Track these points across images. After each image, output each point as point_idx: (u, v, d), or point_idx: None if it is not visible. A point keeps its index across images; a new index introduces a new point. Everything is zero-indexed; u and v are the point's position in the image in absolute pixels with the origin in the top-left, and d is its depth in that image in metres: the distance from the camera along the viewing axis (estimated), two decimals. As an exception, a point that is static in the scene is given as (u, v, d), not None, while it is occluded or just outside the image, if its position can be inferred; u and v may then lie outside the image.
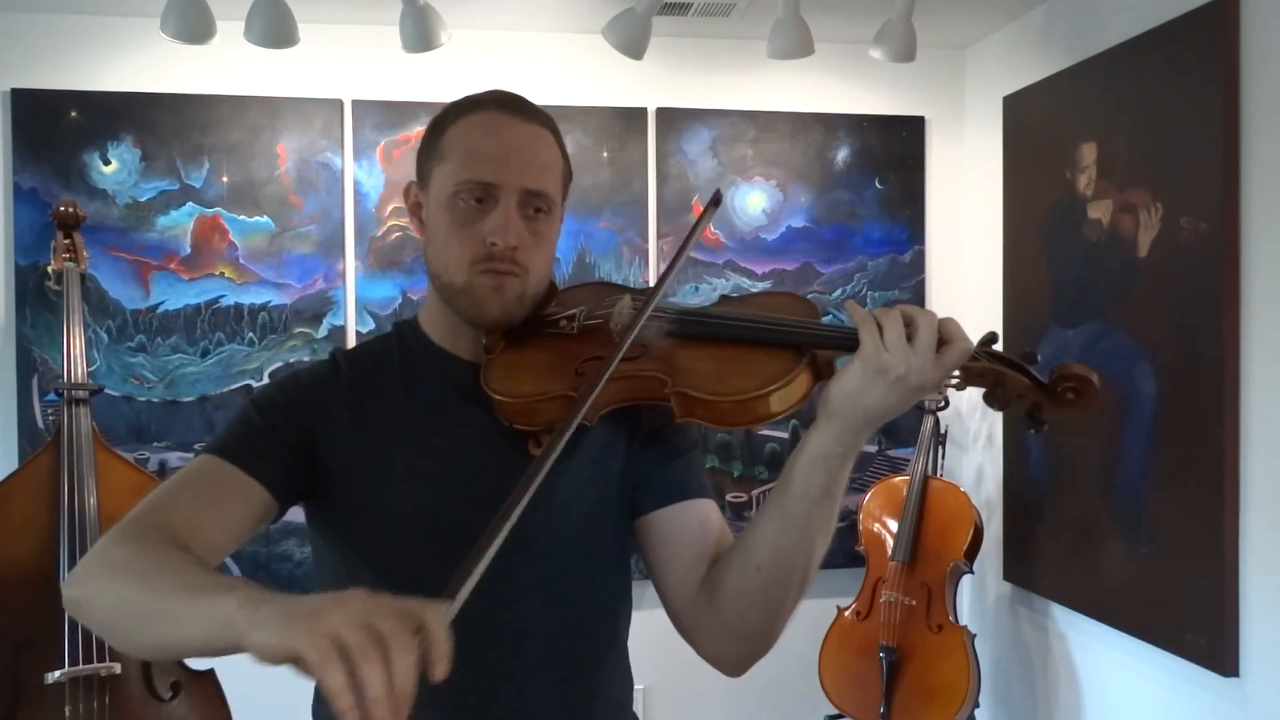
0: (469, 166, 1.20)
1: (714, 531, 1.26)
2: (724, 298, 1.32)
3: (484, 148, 1.21)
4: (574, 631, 1.23)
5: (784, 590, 1.16)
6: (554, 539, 1.18)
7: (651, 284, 3.28)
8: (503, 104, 1.25)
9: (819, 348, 1.15)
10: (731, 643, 1.23)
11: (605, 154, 3.25)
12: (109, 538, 1.07)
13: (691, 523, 1.25)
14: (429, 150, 1.26)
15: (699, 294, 3.29)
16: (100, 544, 1.07)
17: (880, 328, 1.08)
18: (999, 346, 1.19)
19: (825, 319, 1.21)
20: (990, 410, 1.23)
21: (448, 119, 1.25)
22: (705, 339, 1.19)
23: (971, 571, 3.12)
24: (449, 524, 1.18)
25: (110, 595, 1.01)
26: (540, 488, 1.21)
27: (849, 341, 1.12)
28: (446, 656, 0.81)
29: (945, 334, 1.08)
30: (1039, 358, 1.17)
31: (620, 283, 3.18)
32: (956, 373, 1.14)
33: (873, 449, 3.36)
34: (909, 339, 1.07)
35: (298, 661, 0.79)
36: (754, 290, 3.32)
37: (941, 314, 1.12)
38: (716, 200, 1.28)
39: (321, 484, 1.21)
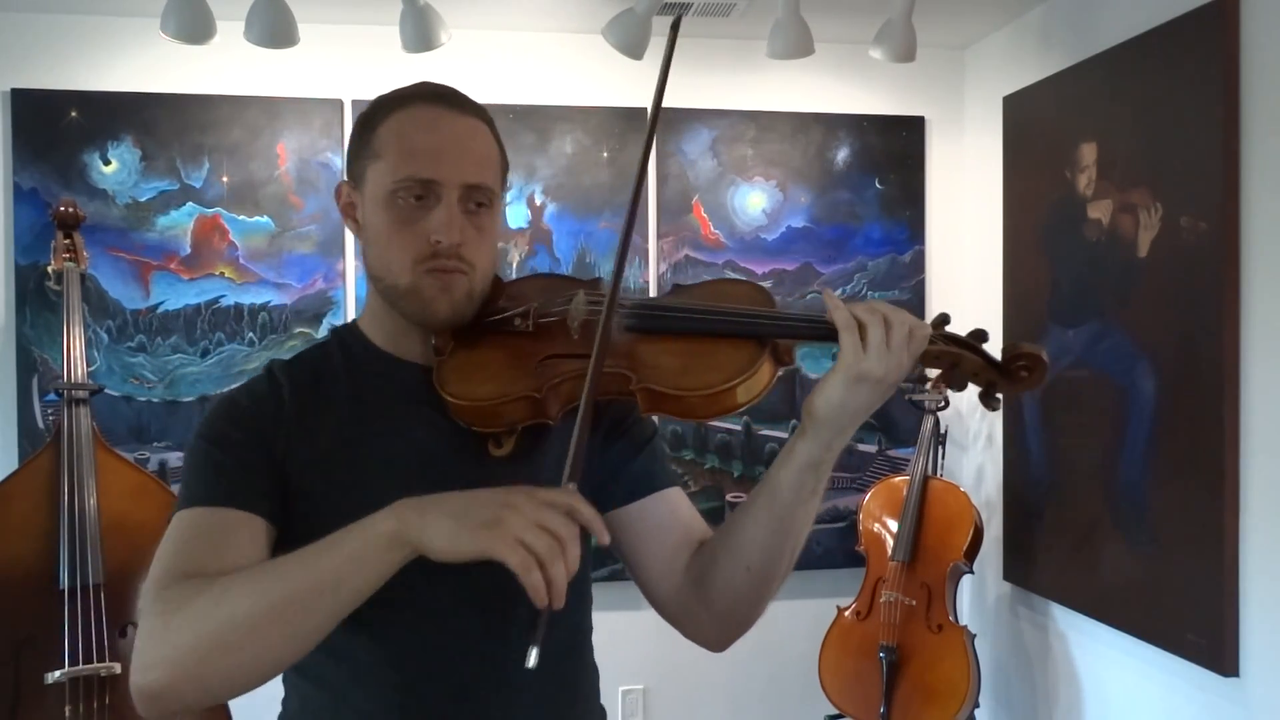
0: (406, 163, 1.16)
1: (686, 519, 1.27)
2: (677, 286, 1.29)
3: (420, 143, 1.17)
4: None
5: (772, 581, 1.19)
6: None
7: (649, 282, 3.28)
8: (436, 97, 1.21)
9: (780, 337, 1.15)
10: (720, 629, 1.25)
11: (605, 154, 3.25)
12: (162, 610, 1.01)
13: (664, 514, 1.26)
14: (360, 148, 1.21)
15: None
16: (155, 620, 1.01)
17: (862, 332, 1.08)
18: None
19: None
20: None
21: (378, 114, 1.21)
22: (667, 332, 1.17)
23: (971, 571, 3.12)
24: None
25: (237, 626, 0.97)
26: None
27: (810, 330, 1.13)
28: (601, 525, 1.00)
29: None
30: (989, 336, 1.18)
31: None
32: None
33: (873, 449, 3.36)
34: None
35: (485, 558, 0.95)
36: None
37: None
38: (676, 24, 1.24)
39: (281, 503, 1.17)
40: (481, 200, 1.19)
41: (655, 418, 1.29)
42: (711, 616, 1.23)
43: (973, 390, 1.21)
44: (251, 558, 1.09)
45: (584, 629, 1.31)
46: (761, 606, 1.22)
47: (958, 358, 1.16)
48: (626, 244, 1.24)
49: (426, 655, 1.16)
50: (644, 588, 1.27)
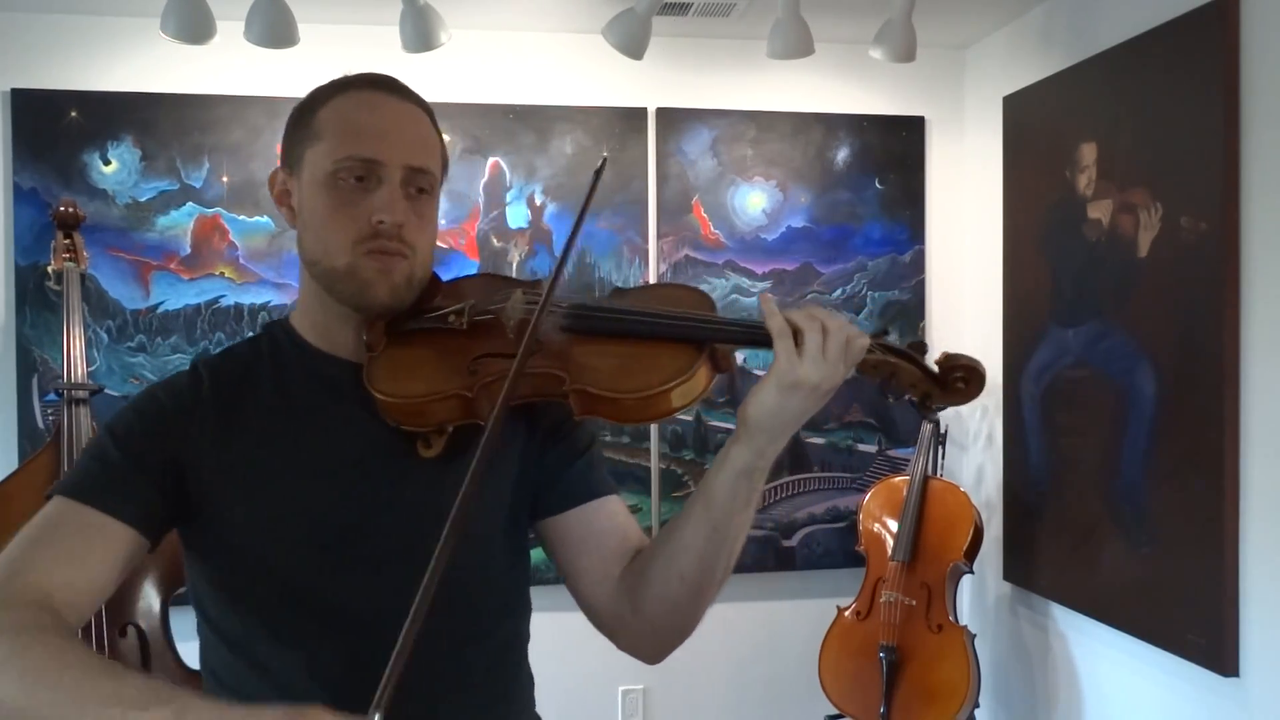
0: (349, 143, 1.14)
1: (623, 527, 1.25)
2: (617, 290, 1.28)
3: (364, 124, 1.15)
4: (475, 636, 1.19)
5: (707, 592, 1.17)
6: (449, 545, 1.06)
7: (648, 282, 3.28)
8: (377, 83, 1.20)
9: (718, 342, 1.14)
10: (654, 640, 1.23)
11: (605, 154, 3.25)
12: None
13: (601, 522, 1.24)
14: (298, 133, 1.19)
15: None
16: None
17: (797, 339, 1.07)
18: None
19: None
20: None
21: (319, 100, 1.19)
22: (603, 334, 1.15)
23: (971, 571, 3.12)
24: (336, 532, 1.14)
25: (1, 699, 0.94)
26: (434, 492, 1.13)
27: (747, 335, 1.12)
28: None
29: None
30: (927, 347, 1.19)
31: (621, 282, 3.21)
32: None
33: (873, 449, 3.36)
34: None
35: None
36: (754, 289, 3.32)
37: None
38: (599, 170, 1.23)
39: (193, 507, 1.13)
40: (423, 186, 1.17)
41: (593, 425, 1.26)
42: (645, 626, 1.20)
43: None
44: (105, 568, 1.07)
45: (519, 637, 1.28)
46: (695, 618, 1.19)
47: (895, 368, 1.15)
48: (568, 250, 1.22)
49: (349, 666, 1.12)
50: (578, 596, 1.24)
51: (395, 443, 1.16)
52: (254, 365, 1.21)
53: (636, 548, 1.23)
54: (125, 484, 1.10)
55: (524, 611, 1.29)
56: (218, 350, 1.26)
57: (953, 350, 1.20)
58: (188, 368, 1.22)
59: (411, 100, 1.20)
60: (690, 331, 1.14)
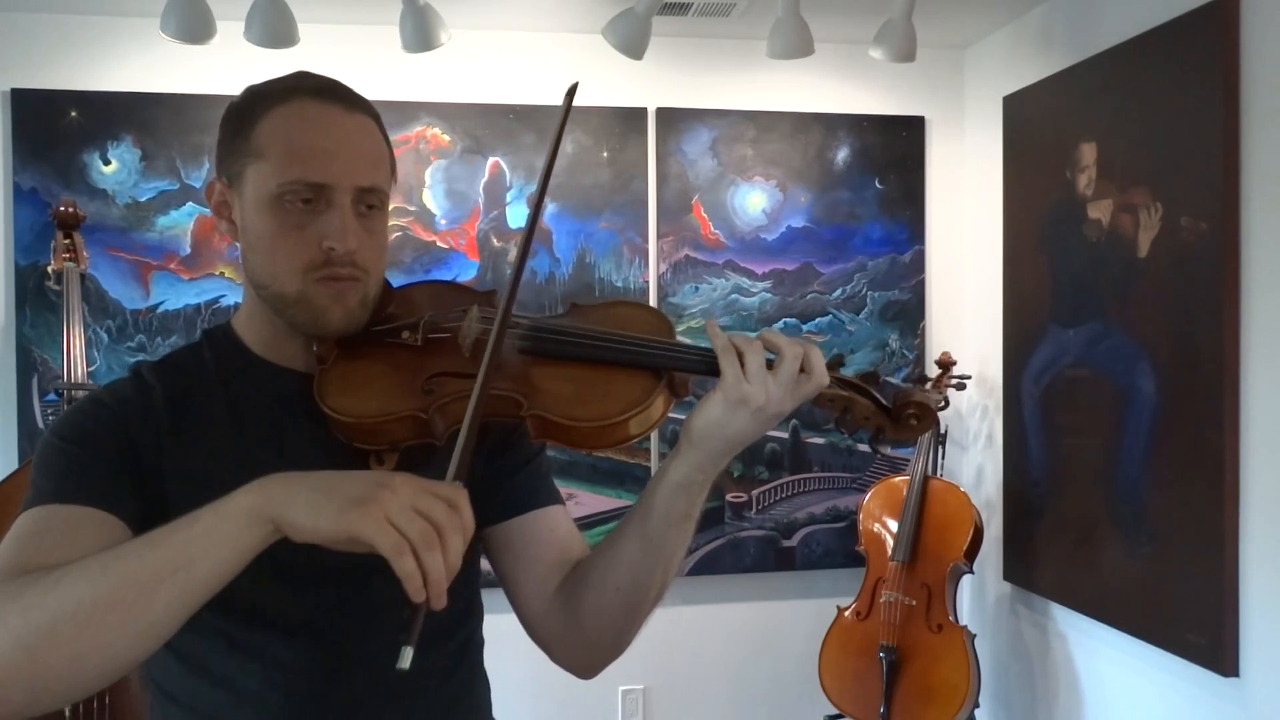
0: (294, 165, 1.08)
1: (564, 538, 1.23)
2: (574, 306, 1.23)
3: (309, 144, 1.09)
4: (433, 639, 1.14)
5: (642, 606, 1.16)
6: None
7: (649, 281, 3.28)
8: (321, 92, 1.12)
9: (677, 369, 1.13)
10: (588, 653, 1.22)
11: (605, 154, 3.25)
12: None
13: (542, 532, 1.22)
14: (236, 145, 1.13)
15: (699, 294, 3.29)
16: None
17: (741, 357, 1.06)
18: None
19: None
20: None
21: (258, 109, 1.12)
22: (562, 358, 1.13)
23: (971, 571, 3.12)
24: (290, 547, 1.07)
25: (69, 615, 0.87)
26: None
27: (706, 365, 1.10)
28: (468, 536, 0.90)
29: (804, 365, 1.08)
30: (880, 378, 1.18)
31: (620, 282, 3.21)
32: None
33: (873, 449, 3.36)
34: (772, 367, 1.07)
35: (352, 542, 0.87)
36: (753, 289, 3.32)
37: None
38: (571, 91, 1.18)
39: (147, 514, 1.06)
40: (373, 203, 1.13)
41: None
42: (580, 639, 1.19)
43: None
44: None
45: (474, 642, 1.26)
46: (630, 632, 1.19)
47: (850, 402, 1.15)
48: (521, 266, 1.17)
49: (309, 674, 1.11)
50: (516, 606, 1.23)
51: (347, 457, 1.12)
52: (199, 375, 1.17)
53: (577, 560, 1.22)
54: (100, 478, 1.05)
55: (478, 615, 1.28)
56: (158, 359, 1.20)
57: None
58: (128, 373, 1.17)
59: (360, 109, 1.14)
60: (650, 359, 1.12)
